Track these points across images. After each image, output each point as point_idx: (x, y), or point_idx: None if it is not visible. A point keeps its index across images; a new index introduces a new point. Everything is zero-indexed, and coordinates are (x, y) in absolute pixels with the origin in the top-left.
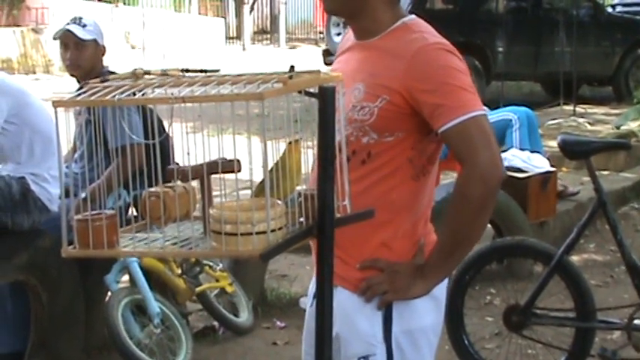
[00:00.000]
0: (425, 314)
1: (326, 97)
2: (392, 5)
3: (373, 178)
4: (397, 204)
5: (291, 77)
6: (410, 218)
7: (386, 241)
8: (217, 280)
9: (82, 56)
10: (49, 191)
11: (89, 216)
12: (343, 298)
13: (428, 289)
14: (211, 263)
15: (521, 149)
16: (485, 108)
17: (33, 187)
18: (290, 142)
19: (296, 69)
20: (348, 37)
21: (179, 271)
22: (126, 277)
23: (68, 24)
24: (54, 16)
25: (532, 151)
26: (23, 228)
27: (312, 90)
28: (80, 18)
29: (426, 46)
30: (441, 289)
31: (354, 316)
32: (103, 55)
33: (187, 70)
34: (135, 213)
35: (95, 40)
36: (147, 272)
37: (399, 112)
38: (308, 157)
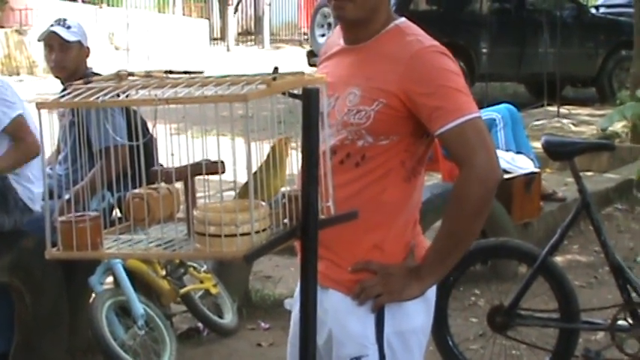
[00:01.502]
0: (416, 315)
1: (310, 99)
2: (388, 7)
3: (366, 181)
4: (389, 206)
5: (275, 79)
6: (401, 220)
7: (378, 243)
8: (201, 282)
9: (67, 58)
10: (32, 191)
11: (73, 217)
12: (336, 301)
13: (423, 291)
14: (195, 265)
15: (507, 150)
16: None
17: (15, 185)
18: (279, 141)
19: (280, 70)
20: (333, 40)
21: (163, 273)
22: (110, 279)
23: (53, 25)
24: (38, 18)
25: (517, 152)
26: (4, 229)
27: (296, 91)
28: (64, 20)
29: (423, 49)
30: (432, 290)
31: (347, 318)
32: (87, 56)
33: (171, 72)
34: (119, 214)
35: (80, 42)
36: (131, 274)
37: (396, 115)
38: (292, 159)
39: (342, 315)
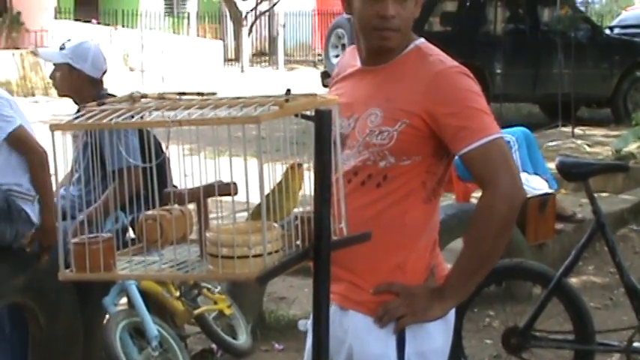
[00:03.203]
0: (437, 336)
1: (322, 121)
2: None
3: (388, 201)
4: (410, 226)
5: (287, 100)
6: (422, 241)
7: (400, 265)
8: (215, 303)
9: (57, 78)
10: (34, 205)
11: (86, 239)
12: (357, 321)
13: (446, 311)
14: (209, 286)
15: (522, 171)
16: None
17: (19, 202)
18: (292, 166)
19: (293, 91)
20: (346, 61)
21: (177, 294)
22: (124, 300)
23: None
24: (53, 39)
25: (534, 173)
26: (5, 239)
27: (308, 113)
28: (68, 40)
29: (446, 70)
30: (451, 311)
31: (368, 339)
32: (85, 78)
33: (184, 93)
34: (132, 236)
35: (68, 64)
36: (145, 295)
37: (419, 135)
38: (305, 180)
39: (363, 335)
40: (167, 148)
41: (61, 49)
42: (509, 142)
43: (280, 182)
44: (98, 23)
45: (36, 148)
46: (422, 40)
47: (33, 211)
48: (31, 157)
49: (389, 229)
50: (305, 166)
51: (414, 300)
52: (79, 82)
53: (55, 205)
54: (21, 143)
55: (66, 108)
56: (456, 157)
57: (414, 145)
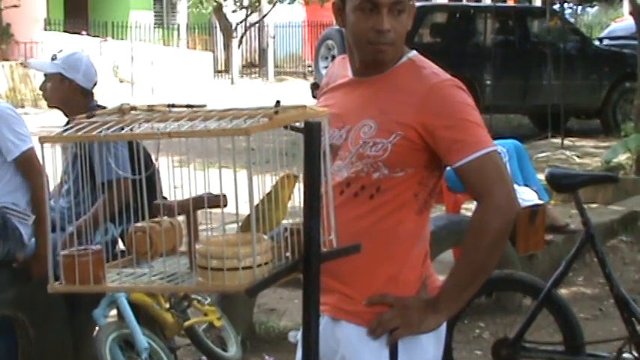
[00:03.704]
0: (429, 347)
1: (311, 132)
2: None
3: (380, 213)
4: (403, 238)
5: (277, 112)
6: (415, 252)
7: (393, 276)
8: (205, 315)
9: (49, 89)
10: (28, 225)
11: (75, 251)
12: (349, 332)
13: (440, 323)
14: (199, 297)
15: (514, 182)
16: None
17: (14, 221)
18: (287, 176)
19: (283, 103)
20: (336, 72)
21: (167, 306)
22: (114, 312)
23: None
24: (42, 51)
25: (524, 184)
26: None
27: (297, 125)
28: (60, 50)
29: (440, 83)
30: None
31: (361, 350)
32: (77, 89)
33: (173, 105)
34: (122, 248)
35: (61, 74)
36: (135, 307)
37: (413, 147)
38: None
39: (356, 346)
40: (157, 159)
41: (53, 59)
42: (499, 153)
43: (270, 192)
44: (88, 35)
45: (43, 172)
46: (414, 52)
47: (26, 232)
48: (37, 181)
49: (382, 241)
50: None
51: (408, 312)
52: (70, 93)
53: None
54: (30, 165)
55: (55, 120)
56: (447, 169)
57: (408, 157)
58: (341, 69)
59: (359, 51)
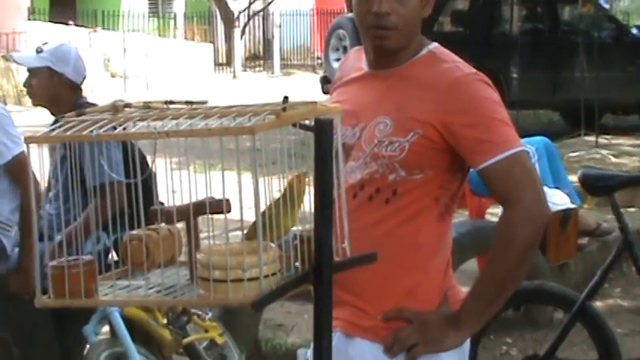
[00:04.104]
0: None
1: (322, 131)
2: (419, 31)
3: (397, 219)
4: (423, 247)
5: (284, 109)
6: (435, 262)
7: (412, 289)
8: (206, 331)
9: (34, 85)
10: (11, 236)
11: (65, 262)
12: (364, 349)
13: (462, 341)
14: (200, 312)
15: (543, 184)
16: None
17: None
18: (298, 176)
19: (291, 99)
20: (350, 64)
21: (164, 321)
22: (106, 328)
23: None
24: (26, 42)
25: (555, 187)
26: None
27: (307, 123)
28: (45, 43)
29: (464, 77)
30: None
31: None
32: (67, 83)
33: (171, 102)
34: (115, 258)
35: (49, 68)
36: (129, 322)
37: (432, 147)
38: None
39: None
40: (153, 162)
41: (38, 52)
42: (528, 152)
43: (278, 197)
44: (76, 25)
45: (34, 178)
46: (436, 44)
47: (9, 243)
48: (27, 187)
49: (399, 250)
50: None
51: (427, 328)
52: (59, 89)
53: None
54: (22, 169)
55: (41, 118)
56: (471, 170)
57: (427, 158)
58: (356, 61)
59: (363, 38)
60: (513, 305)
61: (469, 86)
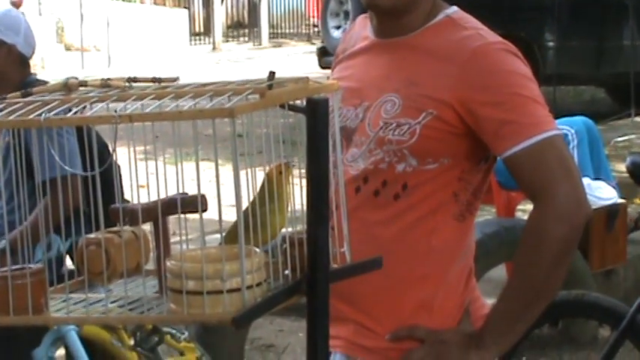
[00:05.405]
0: None
1: (316, 113)
2: None
3: (409, 219)
4: (439, 252)
5: (271, 87)
6: (454, 270)
7: (425, 302)
8: (182, 354)
9: None
10: None
11: (9, 272)
12: None
13: None
14: (173, 331)
15: (583, 175)
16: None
17: None
18: (278, 168)
19: (279, 75)
20: (356, 33)
21: (131, 342)
22: (61, 352)
23: None
24: None
25: (595, 178)
26: None
27: (298, 104)
28: None
29: (486, 46)
30: None
31: None
32: (17, 57)
33: (135, 80)
34: (70, 266)
35: None
36: (88, 344)
37: (449, 131)
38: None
39: None
40: (114, 151)
41: None
42: (566, 135)
43: (262, 192)
44: None
45: None
46: (455, 8)
47: None
48: None
49: (410, 255)
50: (296, 172)
51: (445, 349)
52: (8, 62)
53: None
54: None
55: None
56: (498, 160)
57: (443, 143)
58: (362, 29)
59: None
60: (549, 320)
61: (493, 57)
